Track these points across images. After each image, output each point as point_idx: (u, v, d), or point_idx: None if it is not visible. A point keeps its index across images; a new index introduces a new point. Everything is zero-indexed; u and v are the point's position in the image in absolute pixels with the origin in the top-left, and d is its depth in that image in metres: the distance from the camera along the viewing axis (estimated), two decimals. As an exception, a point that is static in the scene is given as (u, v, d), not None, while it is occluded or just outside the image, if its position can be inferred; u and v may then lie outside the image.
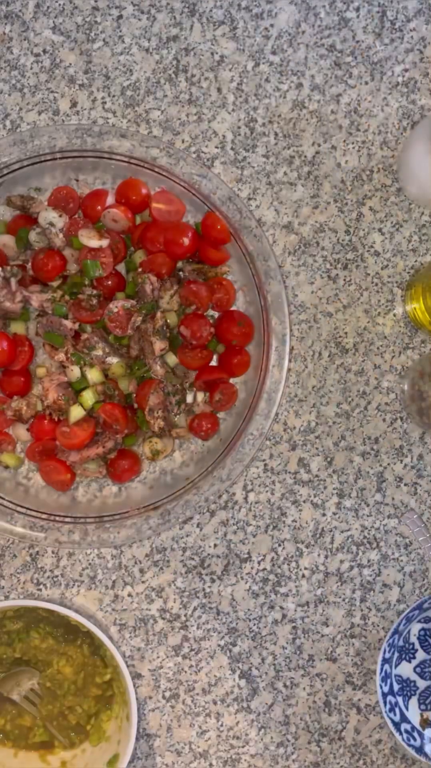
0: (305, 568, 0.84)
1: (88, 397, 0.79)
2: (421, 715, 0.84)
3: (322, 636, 0.84)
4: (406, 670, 0.85)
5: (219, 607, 0.84)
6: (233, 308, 0.83)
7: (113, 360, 0.80)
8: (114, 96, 0.84)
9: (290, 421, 0.84)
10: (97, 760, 0.81)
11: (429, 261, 0.85)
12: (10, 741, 0.83)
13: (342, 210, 0.84)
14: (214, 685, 0.84)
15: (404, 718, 0.83)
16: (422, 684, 0.85)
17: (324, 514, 0.84)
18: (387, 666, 0.82)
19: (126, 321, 0.80)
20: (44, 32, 0.84)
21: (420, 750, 0.82)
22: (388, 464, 0.84)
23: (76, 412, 0.79)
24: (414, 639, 0.85)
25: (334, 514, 0.84)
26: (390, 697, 0.82)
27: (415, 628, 0.85)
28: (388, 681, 0.83)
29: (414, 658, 0.85)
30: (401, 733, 0.81)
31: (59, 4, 0.84)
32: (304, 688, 0.84)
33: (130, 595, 0.83)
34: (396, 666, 0.84)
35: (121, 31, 0.84)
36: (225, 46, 0.84)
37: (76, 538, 0.80)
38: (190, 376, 0.83)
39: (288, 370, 0.82)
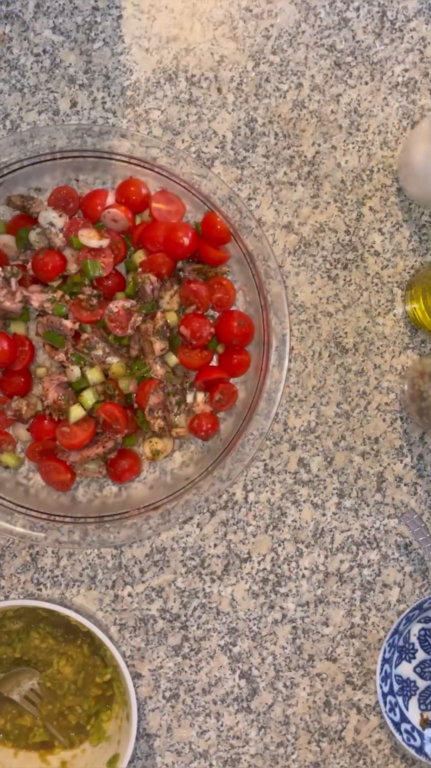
0: (305, 568, 0.84)
1: (88, 397, 0.79)
2: (421, 715, 0.84)
3: (322, 636, 0.84)
4: (406, 670, 0.85)
5: (220, 607, 0.84)
6: (233, 308, 0.83)
7: (113, 360, 0.80)
8: (114, 96, 0.84)
9: (290, 421, 0.84)
10: (97, 760, 0.81)
11: (429, 261, 0.85)
12: (10, 741, 0.83)
13: (342, 210, 0.84)
14: (214, 685, 0.84)
15: (404, 718, 0.83)
16: (422, 684, 0.85)
17: (324, 514, 0.84)
18: (387, 666, 0.82)
19: (126, 321, 0.80)
20: (44, 32, 0.84)
21: (420, 750, 0.82)
22: (388, 464, 0.84)
23: (76, 412, 0.79)
24: (414, 639, 0.85)
25: (334, 514, 0.84)
26: (390, 697, 0.82)
27: (415, 628, 0.85)
28: (388, 681, 0.83)
29: (414, 658, 0.85)
30: (401, 733, 0.81)
31: (59, 4, 0.84)
32: (304, 688, 0.84)
33: (130, 595, 0.83)
34: (396, 666, 0.84)
35: (121, 31, 0.84)
36: (225, 46, 0.84)
37: (76, 538, 0.80)
38: (190, 376, 0.83)
39: (288, 370, 0.82)
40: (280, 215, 0.84)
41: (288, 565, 0.84)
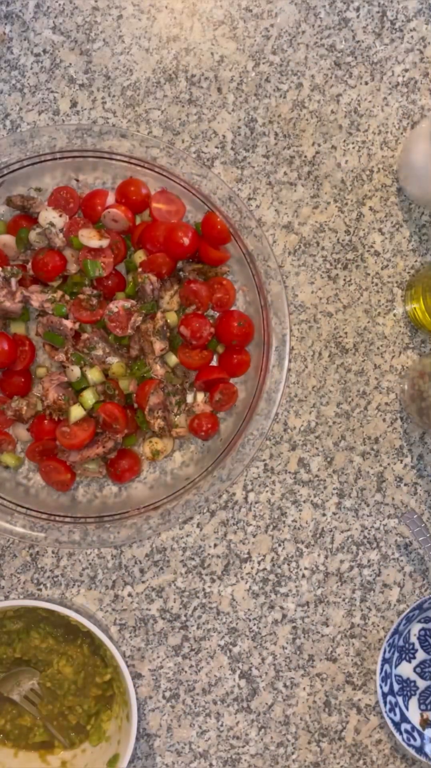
0: (305, 568, 0.84)
1: (88, 397, 0.79)
2: (421, 715, 0.84)
3: (322, 636, 0.84)
4: (406, 670, 0.85)
5: (220, 607, 0.84)
6: (233, 308, 0.83)
7: (113, 360, 0.80)
8: (114, 96, 0.84)
9: (290, 421, 0.84)
10: (97, 760, 0.81)
11: (429, 261, 0.85)
12: (10, 741, 0.83)
13: (342, 210, 0.84)
14: (214, 685, 0.84)
15: (404, 718, 0.83)
16: (422, 684, 0.85)
17: (324, 514, 0.84)
18: (387, 666, 0.82)
19: (126, 321, 0.80)
20: (44, 32, 0.84)
21: (420, 750, 0.82)
22: (388, 464, 0.84)
23: (76, 412, 0.79)
24: (414, 639, 0.85)
25: (334, 514, 0.84)
26: (390, 697, 0.82)
27: (415, 628, 0.85)
28: (388, 681, 0.83)
29: (414, 658, 0.85)
30: (401, 733, 0.81)
31: (59, 4, 0.84)
32: (304, 688, 0.84)
33: (130, 595, 0.83)
34: (396, 666, 0.84)
35: (121, 31, 0.84)
36: (225, 46, 0.84)
37: (76, 538, 0.80)
38: (190, 376, 0.83)
39: (288, 370, 0.82)
40: (280, 215, 0.84)
41: (288, 565, 0.84)
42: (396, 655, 0.84)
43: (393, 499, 0.84)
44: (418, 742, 0.82)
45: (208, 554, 0.83)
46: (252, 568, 0.84)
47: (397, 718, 0.82)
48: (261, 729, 0.84)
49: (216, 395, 0.81)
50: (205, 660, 0.84)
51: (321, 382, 0.84)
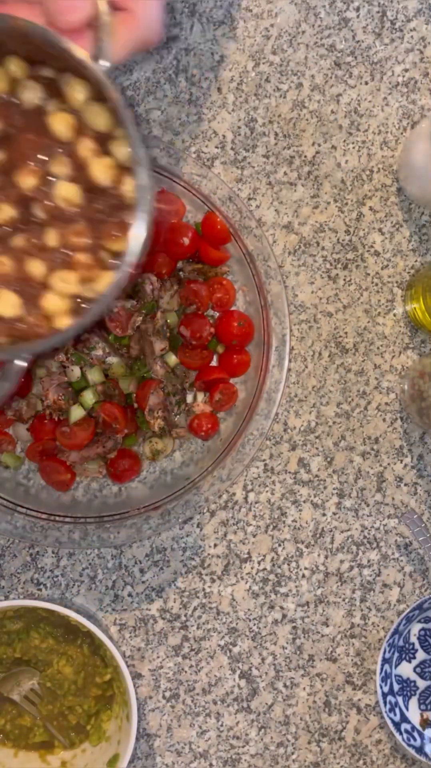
0: (305, 568, 0.84)
1: (88, 397, 0.79)
2: (421, 715, 0.84)
3: (322, 636, 0.84)
4: (406, 670, 0.85)
5: (220, 607, 0.84)
6: (233, 308, 0.83)
7: (113, 360, 0.80)
8: (114, 96, 0.84)
9: (290, 421, 0.84)
10: (97, 760, 0.81)
11: (430, 261, 0.85)
12: (10, 741, 0.83)
13: (342, 210, 0.84)
14: (214, 685, 0.84)
15: (404, 718, 0.83)
16: (422, 684, 0.85)
17: (324, 514, 0.84)
18: (387, 666, 0.82)
19: (126, 321, 0.80)
20: (44, 32, 0.84)
21: (420, 750, 0.82)
22: (388, 464, 0.84)
23: (76, 412, 0.79)
24: (414, 639, 0.85)
25: (334, 514, 0.84)
26: (390, 697, 0.82)
27: (415, 628, 0.85)
28: (388, 681, 0.83)
29: (414, 658, 0.85)
30: (401, 733, 0.81)
31: (59, 4, 0.84)
32: (304, 688, 0.84)
33: (130, 595, 0.83)
34: (396, 666, 0.84)
35: (121, 31, 0.84)
36: (225, 46, 0.84)
37: (76, 538, 0.80)
38: (190, 376, 0.83)
39: (288, 370, 0.82)
40: (280, 215, 0.84)
41: (288, 565, 0.84)
42: (396, 655, 0.84)
43: (393, 499, 0.84)
44: (418, 742, 0.82)
45: (208, 554, 0.83)
46: (252, 568, 0.84)
47: (397, 718, 0.82)
48: (261, 729, 0.84)
49: (216, 395, 0.81)
50: (205, 660, 0.84)
51: (321, 382, 0.84)
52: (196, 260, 0.82)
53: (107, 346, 0.80)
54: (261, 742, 0.84)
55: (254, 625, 0.84)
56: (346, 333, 0.84)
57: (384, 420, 0.84)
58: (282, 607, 0.84)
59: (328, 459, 0.84)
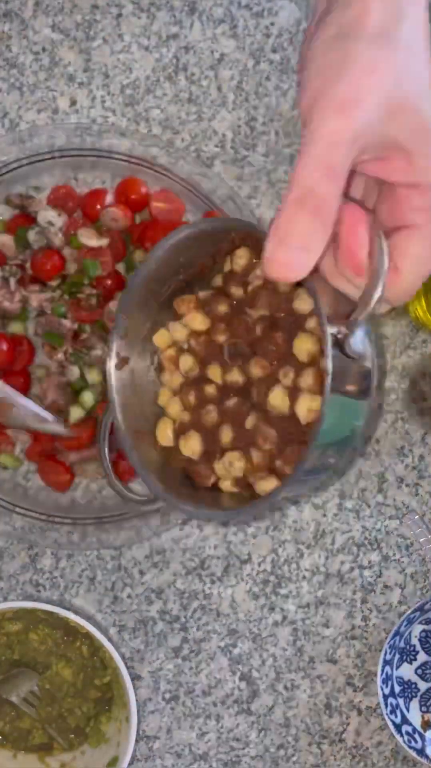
0: (306, 570, 0.83)
1: (88, 397, 0.79)
2: (422, 717, 0.84)
3: (323, 638, 0.84)
4: (407, 671, 0.84)
5: (220, 609, 0.83)
6: (233, 308, 0.82)
7: (112, 360, 0.80)
8: (113, 94, 0.84)
9: (290, 422, 0.83)
10: (97, 762, 0.81)
11: None
12: (9, 743, 0.83)
13: (343, 209, 0.84)
14: (214, 686, 0.84)
15: (405, 720, 0.83)
16: (423, 686, 0.85)
17: (325, 515, 0.84)
18: (388, 668, 0.82)
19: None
20: (43, 30, 0.83)
21: (421, 752, 0.81)
22: (389, 465, 0.84)
23: (76, 413, 0.79)
24: (415, 641, 0.85)
25: (335, 515, 0.84)
26: (391, 699, 0.82)
27: (416, 629, 0.84)
28: (389, 683, 0.82)
29: (416, 659, 0.85)
30: (402, 735, 0.81)
31: (58, 3, 0.83)
32: (305, 690, 0.84)
33: (129, 596, 0.83)
34: (397, 668, 0.84)
35: (120, 30, 0.84)
36: (225, 44, 0.84)
37: (75, 540, 0.79)
38: (189, 377, 0.82)
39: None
40: (281, 214, 0.83)
41: (289, 566, 0.83)
42: (397, 656, 0.84)
43: (394, 499, 0.84)
44: (419, 744, 0.82)
45: (208, 555, 0.83)
46: (252, 569, 0.83)
47: (398, 720, 0.82)
48: (262, 731, 0.84)
49: (217, 395, 0.81)
50: (205, 662, 0.83)
51: (321, 383, 0.84)
52: (196, 260, 0.82)
53: (106, 346, 0.80)
54: (261, 744, 0.84)
55: (254, 626, 0.83)
56: (347, 333, 0.84)
57: (385, 420, 0.84)
58: (282, 609, 0.84)
59: (329, 459, 0.84)
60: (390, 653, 0.82)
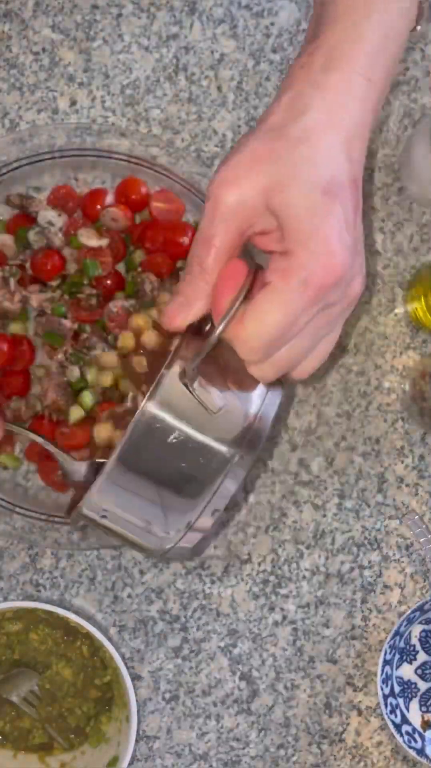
0: (305, 570, 0.83)
1: (87, 397, 0.79)
2: (422, 717, 0.84)
3: (323, 638, 0.84)
4: (407, 671, 0.84)
5: (220, 609, 0.83)
6: (233, 308, 0.82)
7: (113, 360, 0.80)
8: (113, 94, 0.84)
9: (290, 422, 0.83)
10: (97, 762, 0.81)
11: (431, 260, 0.84)
12: (9, 743, 0.83)
13: (343, 209, 0.84)
14: (214, 686, 0.84)
15: (405, 720, 0.83)
16: (423, 686, 0.85)
17: (324, 515, 0.84)
18: (388, 668, 0.82)
19: (125, 321, 0.79)
20: (43, 30, 0.83)
21: (421, 752, 0.82)
22: (389, 465, 0.84)
23: (76, 413, 0.79)
24: (415, 641, 0.85)
25: (335, 515, 0.84)
26: (391, 699, 0.82)
27: (416, 629, 0.84)
28: (389, 683, 0.82)
29: (415, 659, 0.85)
30: (402, 735, 0.81)
31: (58, 3, 0.83)
32: (305, 690, 0.84)
33: (129, 596, 0.83)
34: (397, 668, 0.84)
35: (120, 30, 0.84)
36: (225, 44, 0.84)
37: (75, 539, 0.79)
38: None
39: (289, 370, 0.82)
40: (281, 214, 0.83)
41: (289, 566, 0.83)
42: (397, 656, 0.84)
43: (394, 500, 0.84)
44: (419, 744, 0.82)
45: (208, 555, 0.83)
46: (252, 569, 0.83)
47: (398, 720, 0.82)
48: (262, 731, 0.84)
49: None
50: (205, 662, 0.83)
51: (321, 383, 0.84)
52: (196, 260, 0.82)
53: (107, 346, 0.80)
54: (261, 744, 0.84)
55: (254, 626, 0.83)
56: (347, 333, 0.84)
57: (385, 420, 0.84)
58: (282, 609, 0.84)
59: (329, 459, 0.84)
60: (390, 653, 0.82)
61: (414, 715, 0.84)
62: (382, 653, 0.81)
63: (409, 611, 0.80)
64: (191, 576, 0.83)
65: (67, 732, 0.83)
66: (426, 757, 0.81)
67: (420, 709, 0.84)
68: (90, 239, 0.78)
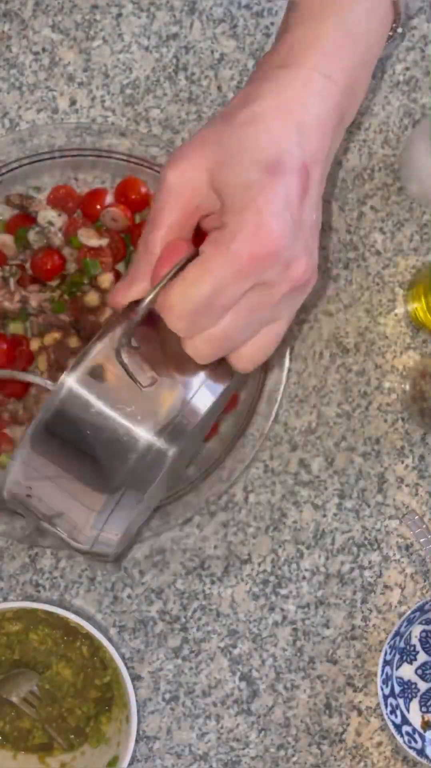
0: (306, 570, 0.83)
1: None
2: (422, 718, 0.84)
3: (323, 638, 0.84)
4: (407, 672, 0.84)
5: (220, 609, 0.83)
6: (233, 308, 0.82)
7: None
8: (113, 94, 0.83)
9: (290, 422, 0.83)
10: (97, 762, 0.81)
11: (431, 260, 0.84)
12: (9, 743, 0.83)
13: (343, 209, 0.84)
14: (214, 687, 0.83)
15: (405, 721, 0.83)
16: (423, 686, 0.85)
17: (324, 515, 0.84)
18: (388, 668, 0.82)
19: (125, 321, 0.79)
20: (43, 30, 0.83)
21: (421, 752, 0.81)
22: (389, 465, 0.84)
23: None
24: (415, 641, 0.85)
25: (335, 515, 0.84)
26: (391, 700, 0.82)
27: (416, 630, 0.84)
28: (389, 683, 0.82)
29: (415, 660, 0.85)
30: (402, 736, 0.81)
31: (58, 3, 0.83)
32: (305, 691, 0.84)
33: (129, 596, 0.83)
34: (397, 668, 0.84)
35: (120, 29, 0.84)
36: (225, 44, 0.84)
37: (75, 540, 0.79)
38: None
39: (289, 370, 0.82)
40: (281, 214, 0.83)
41: (289, 566, 0.83)
42: (397, 657, 0.84)
43: (394, 500, 0.84)
44: (419, 744, 0.82)
45: (208, 555, 0.83)
46: (252, 569, 0.83)
47: (398, 721, 0.82)
48: (262, 731, 0.84)
49: (217, 396, 0.81)
50: (205, 662, 0.83)
51: (321, 383, 0.84)
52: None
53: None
54: (261, 745, 0.84)
55: (254, 626, 0.83)
56: (347, 333, 0.84)
57: (385, 420, 0.84)
58: (282, 609, 0.83)
59: (329, 460, 0.83)
60: (390, 653, 0.82)
61: (415, 715, 0.84)
62: (382, 653, 0.81)
63: (409, 611, 0.80)
64: (191, 576, 0.83)
65: (67, 732, 0.83)
66: (426, 757, 0.81)
67: (421, 710, 0.84)
68: (90, 239, 0.78)
